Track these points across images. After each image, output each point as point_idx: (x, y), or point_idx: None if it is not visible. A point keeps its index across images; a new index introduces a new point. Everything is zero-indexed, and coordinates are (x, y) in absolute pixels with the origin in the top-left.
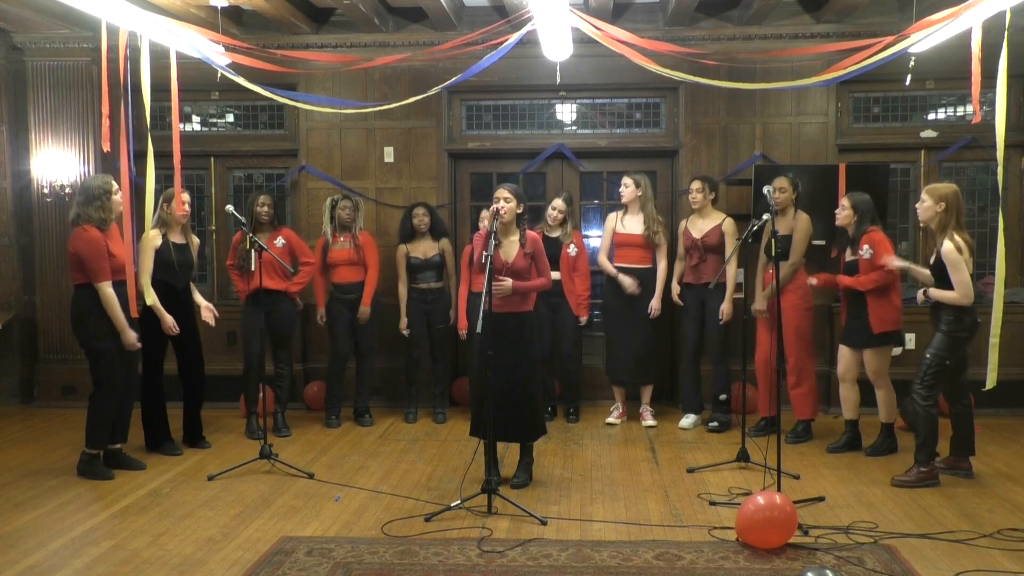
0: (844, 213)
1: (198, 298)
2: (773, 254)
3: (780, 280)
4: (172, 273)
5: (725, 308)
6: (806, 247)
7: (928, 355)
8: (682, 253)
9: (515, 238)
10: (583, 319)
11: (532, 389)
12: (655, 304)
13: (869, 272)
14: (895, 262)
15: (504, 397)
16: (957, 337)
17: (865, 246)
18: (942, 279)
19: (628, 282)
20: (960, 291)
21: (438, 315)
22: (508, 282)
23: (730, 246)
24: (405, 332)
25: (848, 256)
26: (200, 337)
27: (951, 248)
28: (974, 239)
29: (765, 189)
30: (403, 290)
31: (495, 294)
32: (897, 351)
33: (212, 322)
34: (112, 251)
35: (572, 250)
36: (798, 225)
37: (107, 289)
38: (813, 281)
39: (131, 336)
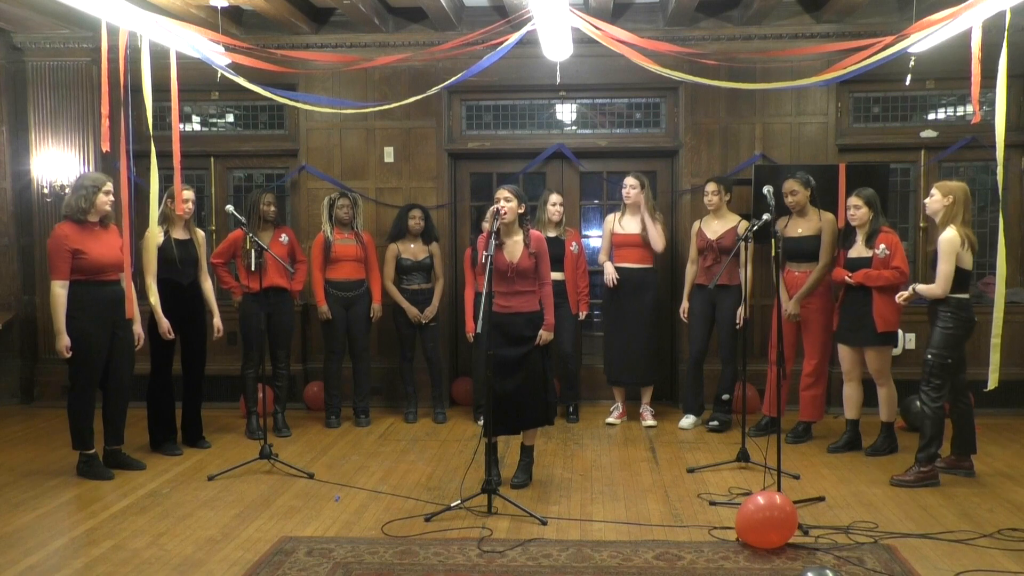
0: (860, 212)
1: (213, 306)
2: (774, 254)
3: (814, 282)
4: (175, 270)
5: (742, 312)
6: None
7: (929, 355)
8: (694, 256)
9: (519, 238)
10: (583, 314)
11: (548, 375)
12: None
13: (881, 270)
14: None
15: (520, 386)
16: (955, 334)
17: (882, 245)
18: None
19: (610, 273)
20: (938, 281)
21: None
22: (547, 335)
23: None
24: (417, 319)
25: (854, 252)
26: (207, 336)
27: (947, 237)
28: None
29: (765, 189)
30: (391, 287)
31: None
32: (896, 351)
33: (217, 333)
34: (84, 249)
35: (574, 247)
36: (827, 227)
37: (56, 288)
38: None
39: (64, 341)
